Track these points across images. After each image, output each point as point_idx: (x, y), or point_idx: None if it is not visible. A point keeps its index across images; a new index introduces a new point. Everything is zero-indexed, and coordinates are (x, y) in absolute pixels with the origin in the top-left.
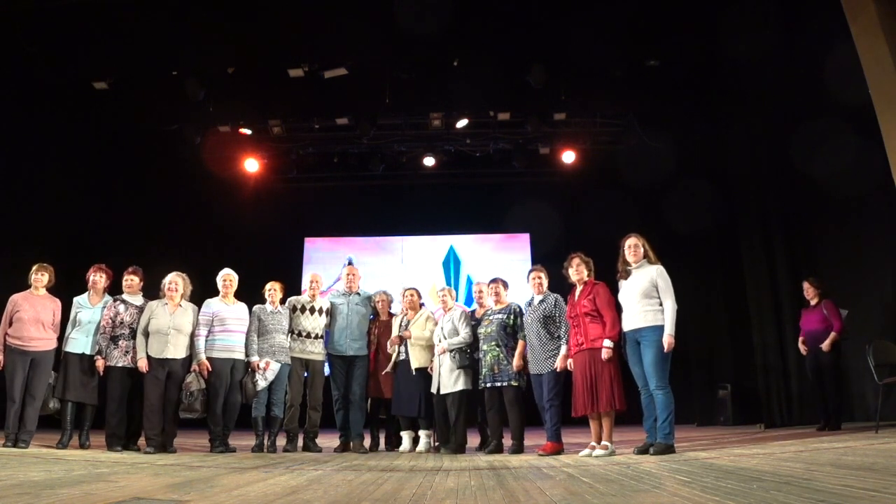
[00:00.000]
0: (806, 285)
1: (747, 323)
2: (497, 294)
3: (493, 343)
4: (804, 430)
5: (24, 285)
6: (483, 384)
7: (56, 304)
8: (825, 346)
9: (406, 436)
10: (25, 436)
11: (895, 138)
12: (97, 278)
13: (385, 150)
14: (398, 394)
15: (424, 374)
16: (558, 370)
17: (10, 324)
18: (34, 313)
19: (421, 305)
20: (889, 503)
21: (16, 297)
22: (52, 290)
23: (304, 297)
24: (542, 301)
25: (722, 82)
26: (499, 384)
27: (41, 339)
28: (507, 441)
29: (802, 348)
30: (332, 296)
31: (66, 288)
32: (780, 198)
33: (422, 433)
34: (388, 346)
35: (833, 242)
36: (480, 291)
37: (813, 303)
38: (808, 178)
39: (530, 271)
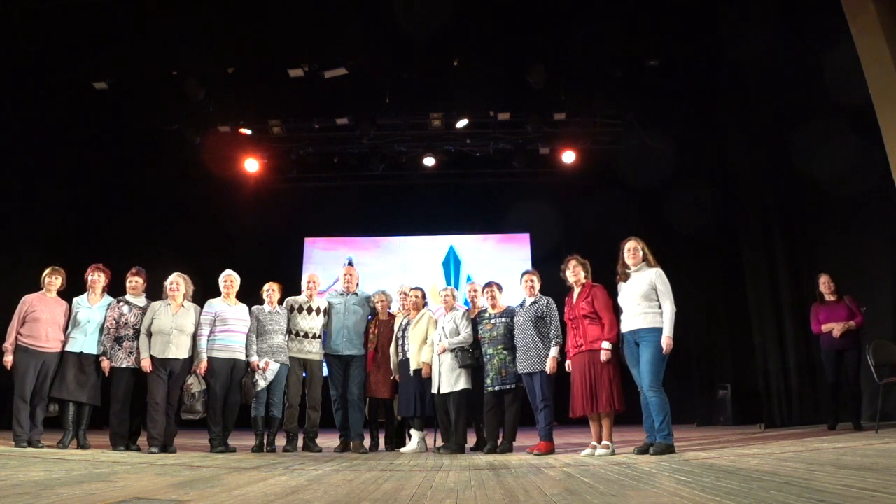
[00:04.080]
0: (827, 279)
1: (747, 323)
2: (493, 298)
3: (500, 346)
4: (804, 430)
5: (23, 285)
6: (491, 387)
7: (65, 307)
8: (837, 332)
9: (415, 434)
10: (37, 435)
11: (895, 138)
12: (95, 278)
13: (385, 150)
14: (400, 394)
15: (421, 375)
16: (548, 371)
17: (23, 324)
18: (51, 315)
19: (424, 305)
20: (889, 503)
21: (30, 298)
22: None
23: (301, 298)
24: (534, 303)
25: (722, 82)
26: (506, 387)
27: (55, 341)
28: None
29: (833, 326)
30: (329, 296)
31: (66, 288)
32: (780, 198)
33: (414, 433)
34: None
35: (833, 243)
36: (474, 292)
37: (831, 298)
38: (808, 178)
39: (524, 274)
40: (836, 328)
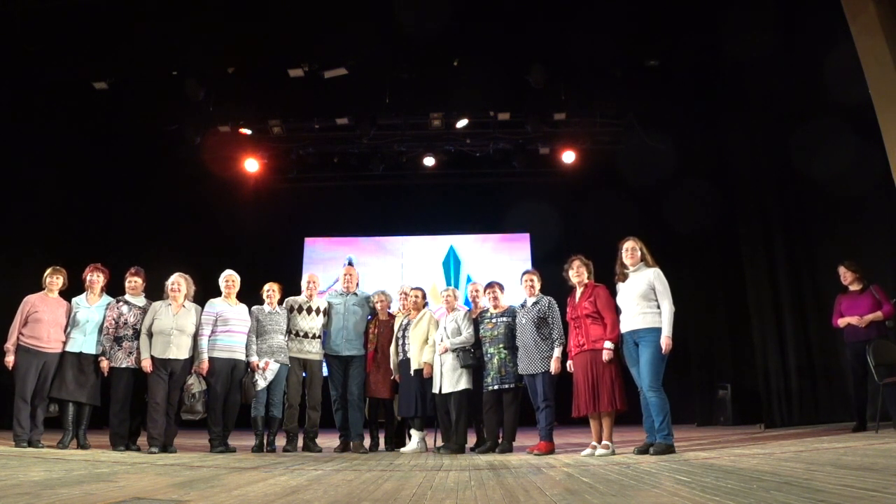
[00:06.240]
0: (842, 270)
1: (747, 323)
2: (496, 298)
3: (501, 345)
4: (804, 430)
5: (24, 285)
6: (490, 386)
7: (66, 307)
8: (863, 322)
9: (415, 434)
10: (38, 435)
11: (895, 138)
12: (94, 278)
13: (385, 150)
14: (401, 394)
15: (422, 375)
16: (553, 372)
17: (25, 324)
18: (53, 316)
19: (425, 305)
20: (889, 503)
21: (32, 299)
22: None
23: (301, 298)
24: (535, 303)
25: (722, 82)
26: (506, 386)
27: (57, 342)
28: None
29: (850, 320)
30: (329, 296)
31: (66, 288)
32: (780, 198)
33: (414, 433)
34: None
35: (833, 242)
36: (476, 292)
37: (854, 288)
38: (808, 178)
39: (524, 274)
40: (858, 321)
